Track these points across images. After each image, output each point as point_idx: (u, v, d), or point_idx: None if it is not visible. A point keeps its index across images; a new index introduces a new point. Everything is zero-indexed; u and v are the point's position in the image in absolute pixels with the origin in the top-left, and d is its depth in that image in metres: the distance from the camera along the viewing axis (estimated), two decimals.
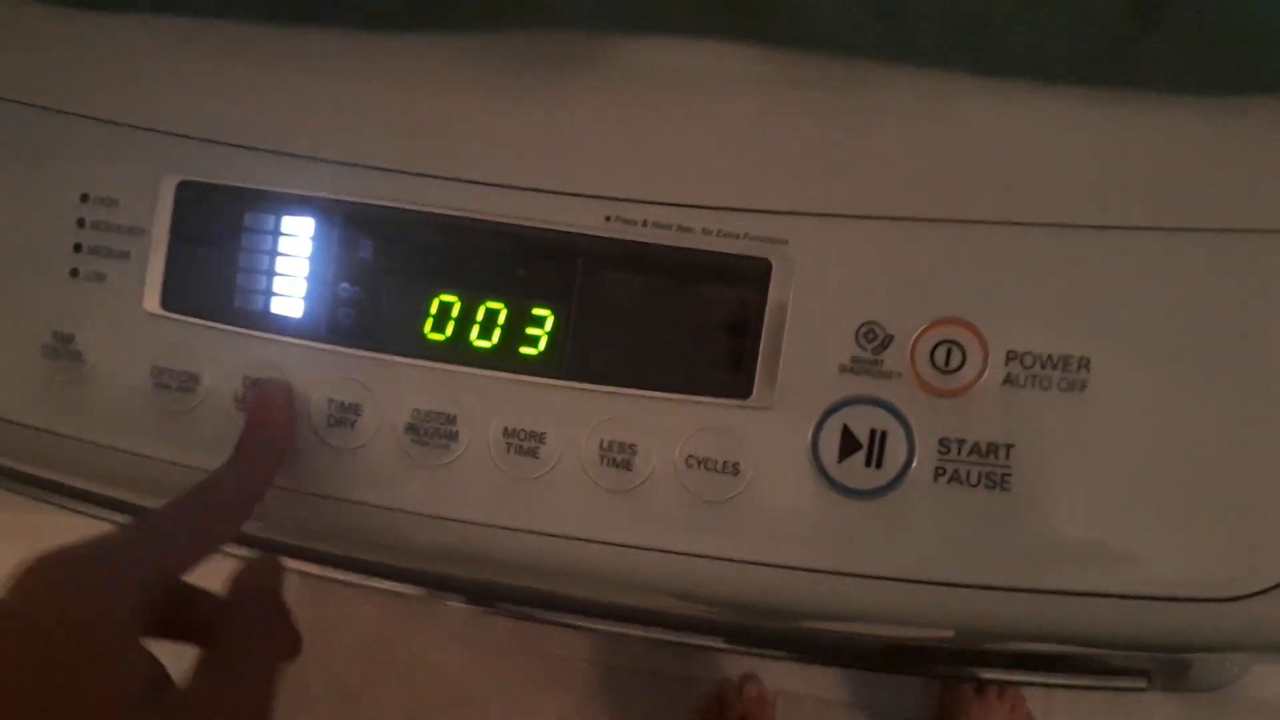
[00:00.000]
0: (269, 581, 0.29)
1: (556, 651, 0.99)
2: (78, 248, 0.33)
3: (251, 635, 0.27)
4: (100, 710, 0.22)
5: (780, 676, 0.92)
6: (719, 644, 0.50)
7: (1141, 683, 0.40)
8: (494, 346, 0.31)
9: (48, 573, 0.24)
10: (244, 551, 0.39)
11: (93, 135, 0.33)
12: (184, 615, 0.26)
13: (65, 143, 0.33)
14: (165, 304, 0.32)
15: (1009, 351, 0.28)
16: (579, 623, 0.50)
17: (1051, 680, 0.41)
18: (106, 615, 0.23)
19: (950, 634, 0.30)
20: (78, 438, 0.33)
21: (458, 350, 0.31)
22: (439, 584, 0.49)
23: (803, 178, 0.29)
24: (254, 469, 0.30)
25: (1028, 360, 0.28)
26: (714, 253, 0.29)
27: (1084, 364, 0.28)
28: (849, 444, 0.29)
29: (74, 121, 0.33)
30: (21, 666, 0.22)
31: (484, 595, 0.49)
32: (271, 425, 0.31)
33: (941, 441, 0.28)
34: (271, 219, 0.31)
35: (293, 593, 0.29)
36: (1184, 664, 0.39)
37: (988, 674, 0.41)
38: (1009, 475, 0.28)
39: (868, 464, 0.29)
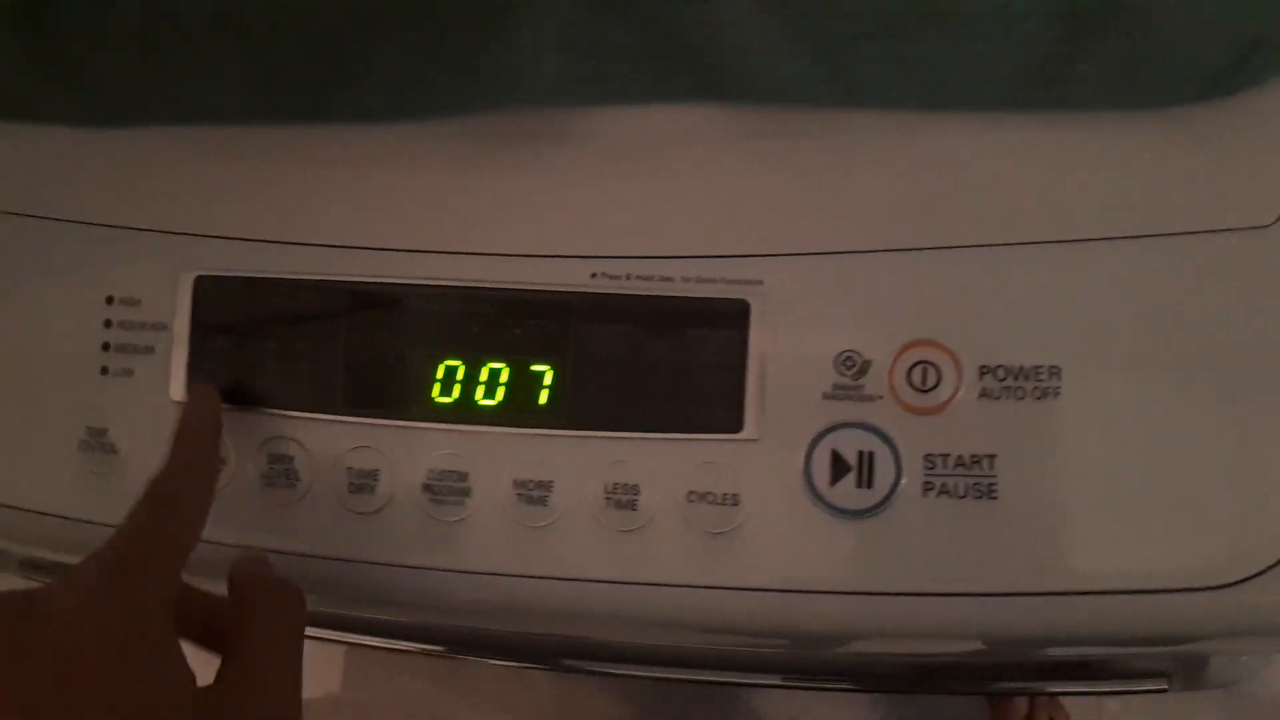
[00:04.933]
0: (260, 570, 0.30)
1: (604, 712, 0.99)
2: (106, 346, 0.35)
3: (264, 626, 0.28)
4: (148, 716, 0.23)
5: (823, 711, 0.91)
6: (758, 680, 0.50)
7: (1163, 684, 0.41)
8: (499, 404, 0.32)
9: (79, 587, 0.25)
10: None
11: (112, 241, 0.35)
12: (194, 619, 0.28)
13: (88, 251, 0.35)
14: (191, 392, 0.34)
15: (981, 366, 0.30)
16: (613, 670, 0.51)
17: (1073, 689, 0.41)
18: (144, 621, 0.25)
19: (965, 647, 0.32)
20: (113, 525, 0.35)
21: (465, 411, 0.33)
22: (474, 644, 0.51)
23: (771, 222, 0.31)
24: (198, 446, 0.31)
25: (1000, 373, 0.30)
26: (694, 298, 0.31)
27: (1054, 372, 0.30)
28: (839, 467, 0.30)
29: (94, 230, 0.35)
30: (69, 678, 0.22)
31: (518, 651, 0.50)
32: (203, 408, 0.32)
33: (926, 457, 0.30)
34: (282, 304, 0.34)
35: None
36: (1200, 660, 0.40)
37: (1010, 686, 0.41)
38: (995, 484, 0.30)
39: (859, 485, 0.30)
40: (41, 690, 0.22)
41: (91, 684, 0.23)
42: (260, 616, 0.28)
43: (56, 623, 0.23)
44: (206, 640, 0.28)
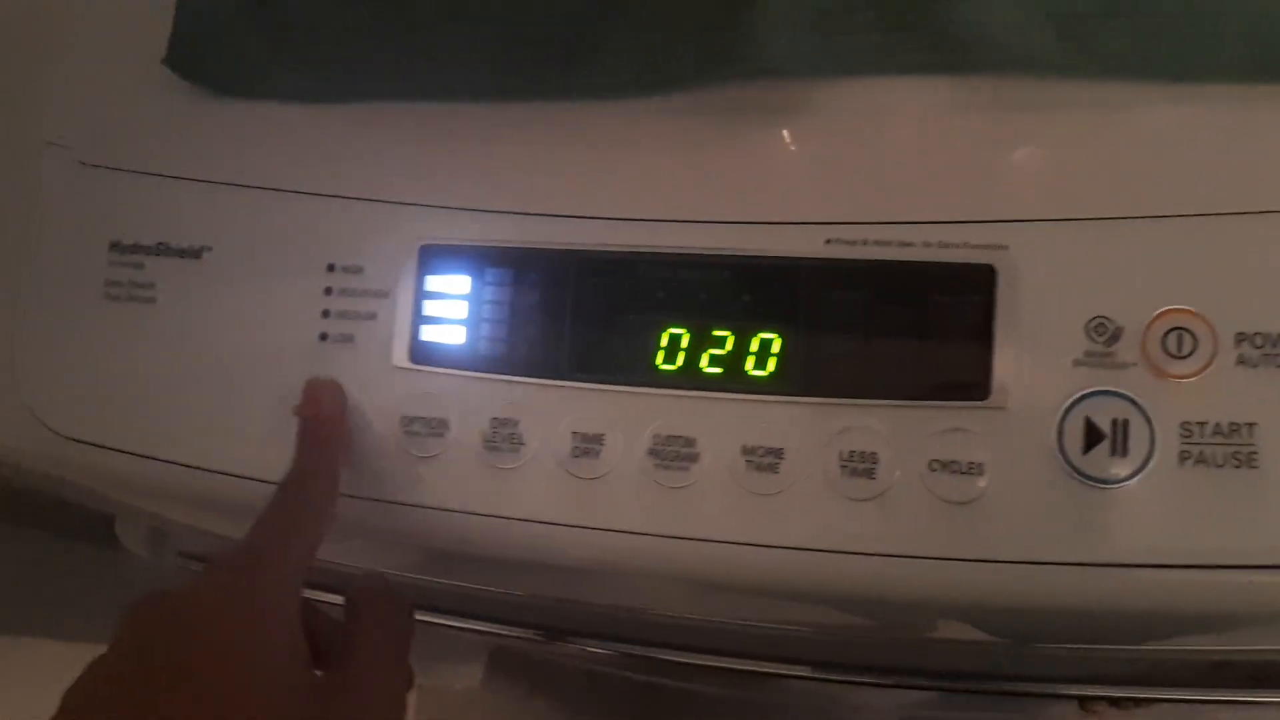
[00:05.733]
0: (373, 584, 0.32)
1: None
2: (325, 314, 0.35)
3: (370, 633, 0.30)
4: (276, 691, 0.26)
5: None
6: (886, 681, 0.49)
7: None
8: (726, 371, 0.32)
9: (220, 573, 0.28)
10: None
11: (337, 212, 0.36)
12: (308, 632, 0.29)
13: (312, 220, 0.36)
14: (413, 358, 0.34)
15: (1238, 334, 0.29)
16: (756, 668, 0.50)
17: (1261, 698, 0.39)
18: (274, 610, 0.27)
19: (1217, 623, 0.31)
20: None
21: (693, 376, 0.32)
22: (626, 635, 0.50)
23: (1015, 188, 0.31)
24: (321, 455, 0.33)
25: (1258, 340, 0.29)
26: (937, 263, 0.31)
27: None
28: (1093, 435, 0.29)
29: (317, 201, 0.36)
30: (210, 653, 0.25)
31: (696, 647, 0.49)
32: (324, 415, 0.34)
33: (1183, 425, 0.29)
34: (508, 272, 0.34)
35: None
36: None
37: (1221, 695, 0.40)
38: (1255, 453, 0.29)
39: (1113, 453, 0.29)
40: (189, 679, 0.25)
41: (231, 675, 0.25)
42: (367, 624, 0.30)
43: (198, 618, 0.26)
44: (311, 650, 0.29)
